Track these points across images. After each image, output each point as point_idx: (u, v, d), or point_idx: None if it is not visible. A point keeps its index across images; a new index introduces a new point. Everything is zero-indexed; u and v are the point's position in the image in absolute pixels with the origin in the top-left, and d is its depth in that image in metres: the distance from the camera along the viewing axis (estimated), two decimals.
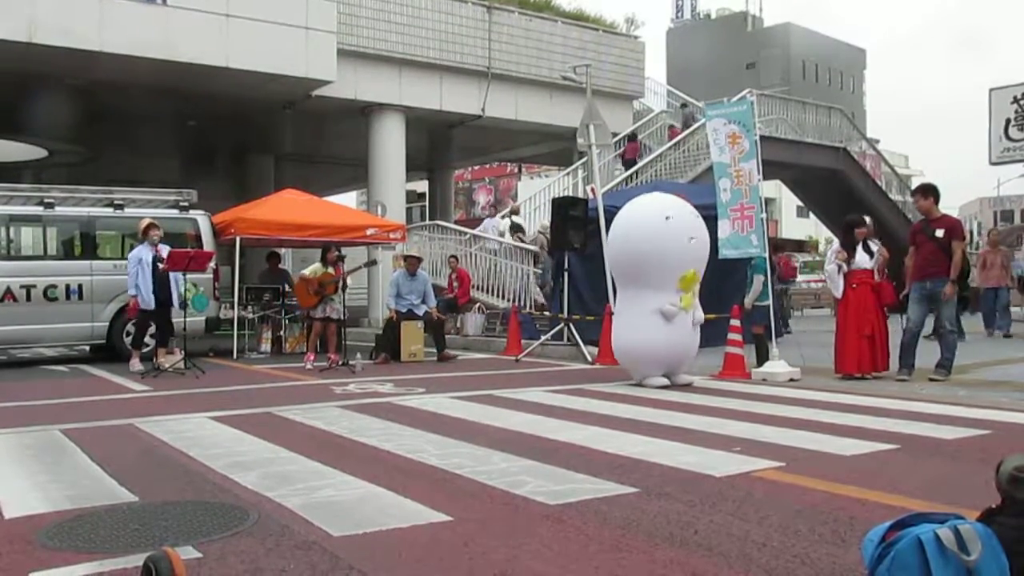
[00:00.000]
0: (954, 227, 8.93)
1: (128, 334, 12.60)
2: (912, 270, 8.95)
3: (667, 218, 8.55)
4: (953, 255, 8.69)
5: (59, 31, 14.58)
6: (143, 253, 10.99)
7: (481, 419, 6.71)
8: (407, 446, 5.52)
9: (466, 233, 18.75)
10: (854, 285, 8.99)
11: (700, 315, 8.86)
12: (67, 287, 12.22)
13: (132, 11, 15.17)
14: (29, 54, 14.64)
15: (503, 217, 19.61)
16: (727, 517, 3.79)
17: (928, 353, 8.95)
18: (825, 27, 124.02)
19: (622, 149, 21.81)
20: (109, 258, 13.00)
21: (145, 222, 11.29)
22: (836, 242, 10.41)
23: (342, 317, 11.95)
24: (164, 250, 11.10)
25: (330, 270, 11.95)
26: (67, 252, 12.99)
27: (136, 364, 10.85)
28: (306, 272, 12.17)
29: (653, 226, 8.58)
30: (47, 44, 14.57)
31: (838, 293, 9.12)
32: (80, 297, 12.28)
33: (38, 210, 12.53)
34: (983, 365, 10.26)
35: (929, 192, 9.03)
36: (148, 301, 10.94)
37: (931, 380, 8.58)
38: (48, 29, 14.49)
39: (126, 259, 12.21)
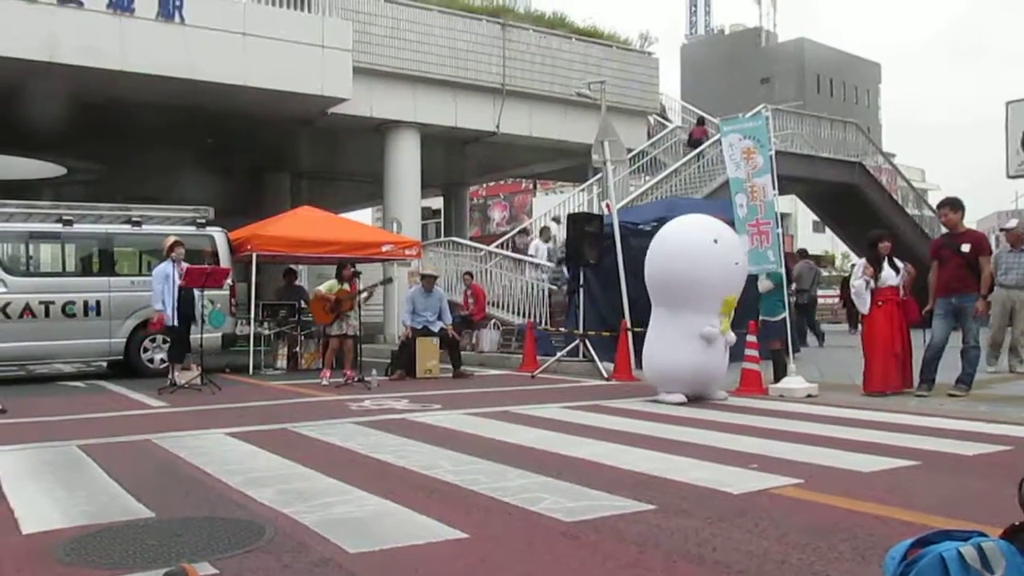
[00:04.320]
0: (980, 242, 8.87)
1: (146, 350, 12.70)
2: (937, 286, 8.85)
3: (715, 241, 8.51)
4: (981, 271, 8.63)
5: (80, 50, 14.74)
6: (169, 269, 11.03)
7: (497, 435, 6.69)
8: (423, 462, 5.51)
9: (481, 249, 18.78)
10: (880, 303, 8.91)
11: (732, 337, 8.84)
12: (85, 303, 12.30)
13: (152, 31, 15.33)
14: (50, 73, 14.80)
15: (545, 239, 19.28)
16: (745, 534, 3.75)
17: (951, 368, 8.84)
18: (839, 42, 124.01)
19: (689, 130, 22.64)
20: (127, 274, 13.10)
21: (171, 239, 11.30)
22: (859, 260, 10.32)
23: (358, 333, 11.95)
24: (184, 267, 11.17)
25: (346, 287, 11.96)
26: (85, 269, 13.10)
27: (180, 377, 10.79)
28: (322, 289, 12.18)
29: (701, 248, 8.50)
30: (68, 63, 14.73)
31: (865, 309, 9.02)
32: (98, 313, 12.36)
33: (57, 227, 12.63)
34: (1003, 380, 10.17)
35: (959, 206, 8.97)
36: (171, 317, 10.98)
37: (950, 396, 8.50)
38: (69, 48, 14.65)
39: (144, 275, 12.28)
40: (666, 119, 24.77)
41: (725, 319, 8.63)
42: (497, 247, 19.21)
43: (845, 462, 5.38)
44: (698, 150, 20.85)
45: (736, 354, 9.80)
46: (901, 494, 4.52)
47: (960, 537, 2.50)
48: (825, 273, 39.61)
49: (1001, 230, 13.76)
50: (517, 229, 21.03)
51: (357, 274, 12.04)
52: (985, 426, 6.82)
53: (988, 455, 5.64)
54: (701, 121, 23.16)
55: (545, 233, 18.48)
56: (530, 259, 17.09)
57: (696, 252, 8.53)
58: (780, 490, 4.62)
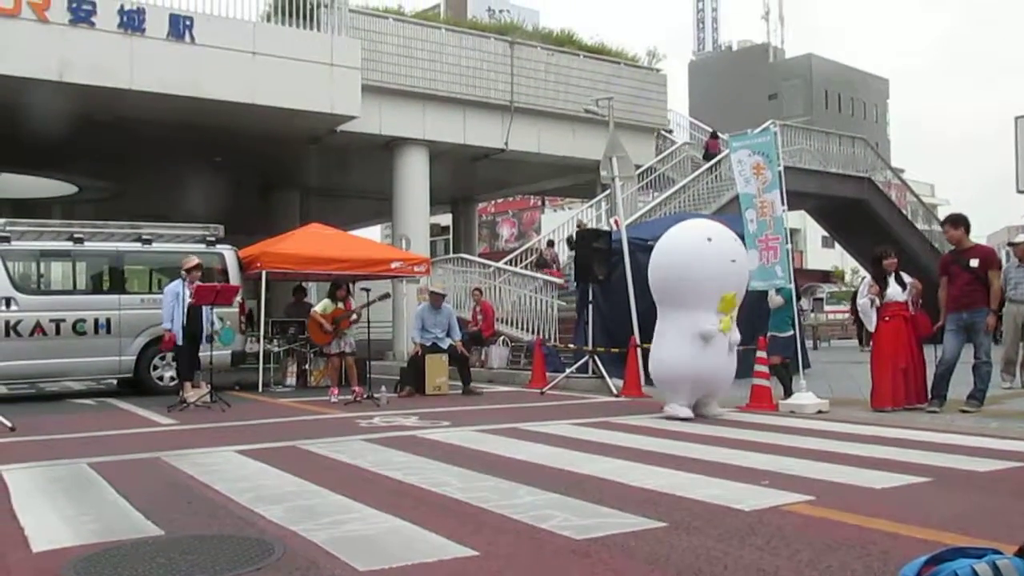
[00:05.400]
0: (988, 256, 8.85)
1: (155, 368, 12.70)
2: (948, 301, 8.82)
3: (708, 239, 8.64)
4: (991, 285, 8.61)
5: (89, 70, 14.85)
6: (180, 288, 11.06)
7: (506, 452, 6.67)
8: (432, 479, 5.49)
9: (490, 266, 18.80)
10: (887, 318, 8.89)
11: (736, 337, 8.83)
12: (95, 321, 12.32)
13: (161, 49, 15.45)
14: (60, 92, 14.91)
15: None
16: (757, 552, 3.73)
17: (963, 384, 8.79)
18: (847, 58, 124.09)
19: (704, 143, 23.38)
20: (137, 292, 13.12)
21: (193, 260, 11.30)
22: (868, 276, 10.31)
23: (355, 350, 12.00)
24: (195, 285, 11.18)
25: (340, 306, 12.01)
26: (96, 286, 13.13)
27: (191, 395, 10.80)
28: (317, 309, 12.24)
29: (695, 247, 8.69)
30: (78, 83, 14.84)
31: (871, 327, 9.06)
32: (108, 331, 12.38)
33: (68, 245, 12.68)
34: (1015, 396, 10.10)
35: (959, 222, 8.95)
36: (178, 336, 11.01)
37: (962, 411, 8.45)
38: (79, 68, 14.77)
39: (154, 293, 12.29)
40: (668, 132, 24.87)
41: (725, 317, 8.61)
42: (511, 260, 19.31)
43: (857, 478, 5.35)
44: (713, 161, 21.11)
45: (745, 370, 9.79)
46: (914, 511, 4.49)
47: (974, 554, 2.48)
48: (835, 288, 39.53)
49: (1010, 244, 13.75)
50: (545, 240, 21.22)
51: (350, 293, 12.10)
52: (997, 442, 6.77)
53: (1001, 471, 5.60)
54: (715, 135, 23.52)
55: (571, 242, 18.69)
56: (540, 276, 17.10)
57: (690, 250, 8.71)
58: (791, 507, 4.59)
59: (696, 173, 21.08)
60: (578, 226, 19.81)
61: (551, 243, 20.97)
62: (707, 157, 22.50)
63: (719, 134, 23.70)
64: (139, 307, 12.56)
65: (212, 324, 11.31)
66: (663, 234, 9.55)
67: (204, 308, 11.10)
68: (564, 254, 18.82)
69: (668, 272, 8.86)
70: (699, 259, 8.58)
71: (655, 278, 9.07)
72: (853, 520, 4.26)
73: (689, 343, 8.59)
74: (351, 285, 13.07)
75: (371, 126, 18.73)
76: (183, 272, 11.14)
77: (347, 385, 11.85)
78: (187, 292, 10.98)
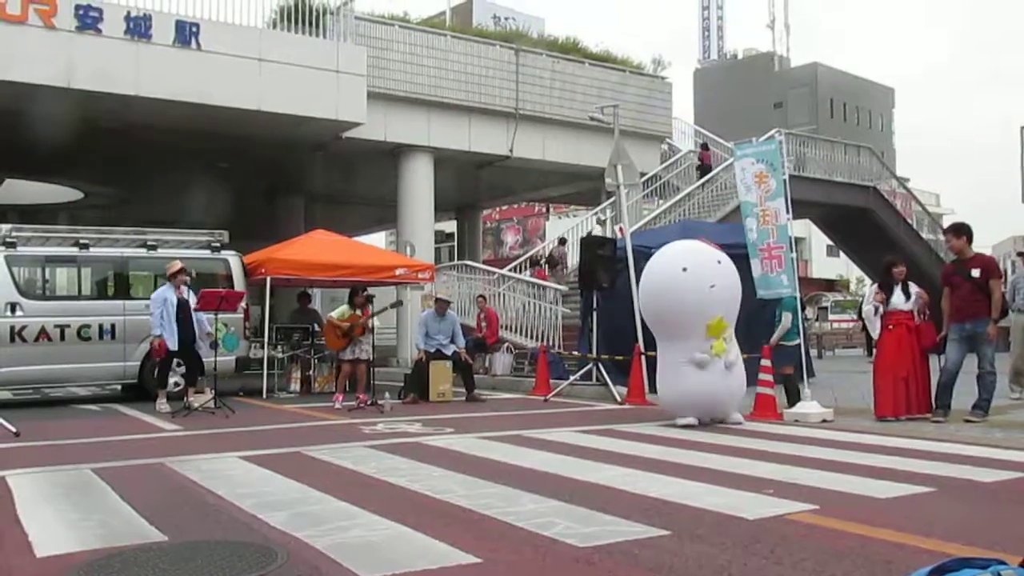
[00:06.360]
0: (990, 266, 8.84)
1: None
2: (950, 311, 8.82)
3: (684, 270, 8.59)
4: (992, 295, 8.60)
5: (97, 76, 14.90)
6: (168, 294, 11.03)
7: (509, 459, 6.67)
8: (435, 486, 5.49)
9: (494, 273, 18.81)
10: (890, 326, 8.88)
11: (733, 356, 8.80)
12: (100, 327, 12.33)
13: (168, 56, 15.50)
14: (67, 98, 14.97)
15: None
16: (761, 561, 3.72)
17: (969, 394, 8.77)
18: (852, 66, 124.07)
19: (699, 156, 23.27)
20: (142, 298, 13.12)
21: (177, 265, 11.33)
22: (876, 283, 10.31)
23: (371, 358, 11.98)
24: (186, 292, 11.17)
25: (358, 312, 12.00)
26: (101, 292, 13.15)
27: (163, 405, 10.88)
28: (334, 315, 12.22)
29: (670, 280, 8.65)
30: (85, 89, 14.89)
31: (875, 334, 9.08)
32: (113, 337, 12.39)
33: (73, 251, 12.70)
34: (1021, 406, 10.07)
35: (961, 231, 8.94)
36: (173, 342, 11.00)
37: (967, 421, 8.43)
38: (86, 74, 14.83)
39: None
40: (668, 139, 24.89)
41: (717, 341, 8.58)
42: (515, 267, 19.37)
43: (861, 488, 5.34)
44: (707, 177, 21.01)
45: (749, 379, 9.77)
46: (918, 520, 4.48)
47: (979, 564, 2.47)
48: (839, 297, 39.51)
49: (1019, 254, 13.73)
50: (557, 239, 21.37)
51: (370, 299, 12.06)
52: (1002, 452, 6.75)
53: (1006, 481, 5.59)
54: (706, 146, 23.45)
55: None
56: (545, 283, 17.12)
57: (666, 283, 8.70)
58: (795, 516, 4.58)
59: (692, 188, 21.01)
60: (598, 222, 19.88)
61: (563, 240, 21.08)
62: (700, 167, 22.46)
63: (711, 144, 23.74)
64: (144, 313, 12.52)
65: (217, 330, 11.32)
66: (666, 243, 9.54)
67: (194, 313, 11.11)
68: (574, 257, 18.91)
69: (652, 305, 8.98)
70: (676, 292, 8.56)
71: (643, 309, 9.20)
72: (857, 529, 4.25)
73: (686, 371, 8.62)
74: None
75: (376, 133, 18.75)
76: (185, 279, 11.14)
77: (351, 391, 11.85)
78: (175, 297, 10.97)
